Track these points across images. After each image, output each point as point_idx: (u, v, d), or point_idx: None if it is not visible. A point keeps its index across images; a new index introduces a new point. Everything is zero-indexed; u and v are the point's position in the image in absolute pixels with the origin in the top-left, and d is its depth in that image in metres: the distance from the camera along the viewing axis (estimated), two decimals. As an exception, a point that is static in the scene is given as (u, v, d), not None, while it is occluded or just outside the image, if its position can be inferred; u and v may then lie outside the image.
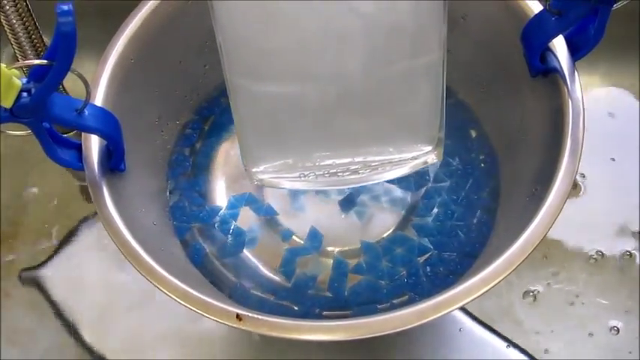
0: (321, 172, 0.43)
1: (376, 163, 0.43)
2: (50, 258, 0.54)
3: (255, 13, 0.36)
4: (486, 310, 0.50)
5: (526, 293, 0.50)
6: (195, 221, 0.48)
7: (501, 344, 0.49)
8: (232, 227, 0.48)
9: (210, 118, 0.51)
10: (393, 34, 0.37)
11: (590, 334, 0.49)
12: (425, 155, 0.43)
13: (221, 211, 0.49)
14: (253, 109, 0.41)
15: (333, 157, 0.42)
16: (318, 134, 0.41)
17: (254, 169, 0.44)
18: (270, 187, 0.45)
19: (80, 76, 0.35)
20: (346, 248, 0.48)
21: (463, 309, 0.50)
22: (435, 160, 0.43)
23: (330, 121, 0.40)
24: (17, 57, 0.48)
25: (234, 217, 0.49)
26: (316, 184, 0.44)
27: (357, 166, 0.42)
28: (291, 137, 0.42)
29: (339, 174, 0.43)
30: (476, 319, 0.50)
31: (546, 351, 0.49)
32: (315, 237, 0.48)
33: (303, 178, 0.43)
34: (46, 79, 0.33)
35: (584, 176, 0.54)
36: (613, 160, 0.55)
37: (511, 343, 0.49)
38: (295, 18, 0.36)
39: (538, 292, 0.50)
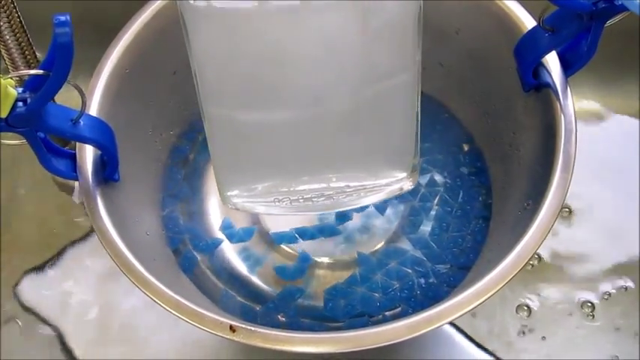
0: (296, 198, 0.42)
1: (351, 189, 0.42)
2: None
3: (230, 43, 0.36)
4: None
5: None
6: (199, 252, 0.49)
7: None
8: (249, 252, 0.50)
9: (203, 130, 0.51)
10: (367, 55, 0.36)
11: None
12: (400, 182, 0.43)
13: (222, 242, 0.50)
14: (227, 133, 0.41)
15: (307, 183, 0.42)
16: (293, 159, 0.41)
17: (228, 193, 0.43)
18: (244, 211, 0.45)
19: (76, 87, 0.35)
20: (338, 259, 0.49)
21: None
22: (410, 187, 0.43)
23: (305, 146, 0.40)
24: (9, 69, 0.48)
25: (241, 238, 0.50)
26: (290, 209, 0.43)
27: (331, 192, 0.42)
28: (266, 162, 0.42)
29: (314, 199, 0.43)
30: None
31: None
32: (304, 259, 0.49)
33: (277, 203, 0.43)
34: (42, 89, 0.33)
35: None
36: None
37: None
38: (270, 44, 0.35)
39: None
